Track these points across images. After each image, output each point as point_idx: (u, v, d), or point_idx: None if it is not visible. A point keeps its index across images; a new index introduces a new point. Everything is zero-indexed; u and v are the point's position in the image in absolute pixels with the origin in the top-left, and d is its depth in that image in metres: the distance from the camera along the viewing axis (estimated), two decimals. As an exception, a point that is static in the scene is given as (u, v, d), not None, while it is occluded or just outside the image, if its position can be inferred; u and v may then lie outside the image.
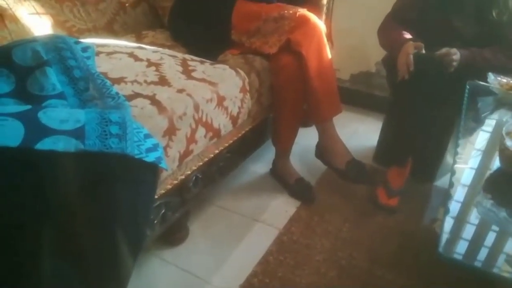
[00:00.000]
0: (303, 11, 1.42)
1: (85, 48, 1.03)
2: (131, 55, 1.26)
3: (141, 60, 1.24)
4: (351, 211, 1.52)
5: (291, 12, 1.41)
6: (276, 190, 1.61)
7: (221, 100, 1.23)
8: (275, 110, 1.56)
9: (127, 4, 1.61)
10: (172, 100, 1.08)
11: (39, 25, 1.33)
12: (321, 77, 1.44)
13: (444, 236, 0.83)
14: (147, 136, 0.87)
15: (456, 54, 1.32)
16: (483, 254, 0.87)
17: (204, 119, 1.17)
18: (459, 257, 0.84)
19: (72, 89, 0.91)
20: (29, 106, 0.78)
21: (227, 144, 1.38)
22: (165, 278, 1.21)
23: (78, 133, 0.75)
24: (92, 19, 1.53)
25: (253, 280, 1.21)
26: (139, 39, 1.57)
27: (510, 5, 1.40)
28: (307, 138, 1.72)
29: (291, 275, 1.23)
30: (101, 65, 1.13)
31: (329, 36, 1.66)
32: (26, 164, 0.69)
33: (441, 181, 1.66)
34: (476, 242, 0.89)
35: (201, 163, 1.26)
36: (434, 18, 1.45)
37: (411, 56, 1.33)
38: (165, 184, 1.13)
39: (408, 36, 1.42)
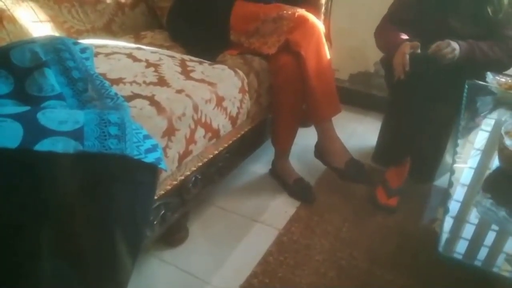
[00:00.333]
0: (301, 11, 1.42)
1: (84, 49, 1.03)
2: (129, 55, 1.26)
3: (140, 60, 1.24)
4: (350, 211, 1.52)
5: (289, 12, 1.41)
6: (276, 191, 1.61)
7: (220, 100, 1.23)
8: (274, 111, 1.56)
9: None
10: (171, 100, 1.08)
11: (37, 26, 1.33)
12: (320, 77, 1.44)
13: (444, 236, 0.83)
14: (146, 137, 0.87)
15: (449, 46, 1.32)
16: (483, 253, 0.87)
17: (203, 120, 1.17)
18: (459, 257, 0.84)
19: (71, 90, 0.91)
20: (28, 107, 0.77)
21: (226, 145, 1.38)
22: (165, 279, 1.21)
23: (77, 134, 0.75)
24: (91, 20, 1.52)
25: (253, 280, 1.20)
26: (137, 39, 1.57)
27: (505, 3, 1.41)
28: (306, 138, 1.72)
29: (291, 275, 1.23)
30: (100, 66, 1.13)
31: (328, 36, 1.66)
32: (25, 165, 0.69)
33: (441, 181, 1.66)
34: (475, 242, 0.89)
35: (200, 164, 1.26)
36: (430, 18, 1.45)
37: (407, 56, 1.33)
38: (165, 185, 1.13)
39: (404, 37, 1.42)
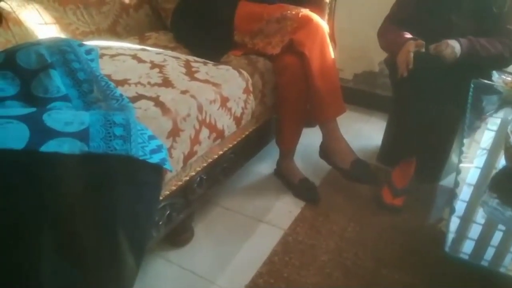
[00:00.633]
0: (305, 11, 1.42)
1: (89, 51, 1.03)
2: (134, 57, 1.27)
3: (145, 62, 1.25)
4: (355, 211, 1.51)
5: (293, 12, 1.41)
6: (281, 191, 1.61)
7: (224, 101, 1.23)
8: (279, 111, 1.56)
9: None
10: (175, 101, 1.08)
11: (42, 28, 1.34)
12: (324, 77, 1.44)
13: (450, 236, 0.83)
14: (151, 137, 0.87)
15: (448, 47, 1.32)
16: (489, 253, 0.87)
17: (207, 120, 1.17)
18: (466, 257, 0.83)
19: (76, 92, 0.92)
20: (33, 109, 0.78)
21: (231, 145, 1.38)
22: (170, 279, 1.21)
23: (82, 135, 0.75)
24: (95, 22, 1.53)
25: (259, 280, 1.20)
26: (142, 41, 1.58)
27: None
28: (311, 138, 1.72)
29: (296, 276, 1.23)
30: (105, 67, 1.13)
31: (332, 36, 1.66)
32: (31, 167, 0.69)
33: (447, 181, 1.65)
34: (482, 241, 0.89)
35: (205, 164, 1.27)
36: (433, 16, 1.45)
37: (411, 54, 1.33)
38: (170, 185, 1.13)
39: (408, 36, 1.42)
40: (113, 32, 1.60)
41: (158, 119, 1.01)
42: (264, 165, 1.75)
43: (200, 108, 1.13)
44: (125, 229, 0.81)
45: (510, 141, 0.97)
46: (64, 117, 0.76)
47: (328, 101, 1.47)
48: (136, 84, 1.11)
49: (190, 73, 1.24)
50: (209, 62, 1.37)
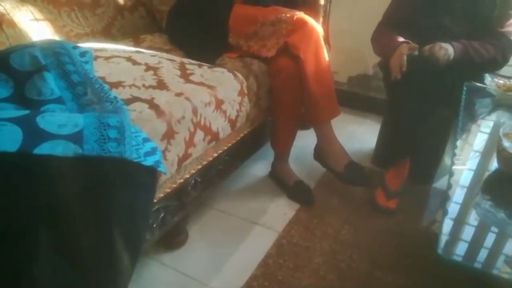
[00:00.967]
0: (300, 14, 1.43)
1: (83, 53, 1.03)
2: (129, 59, 1.27)
3: (139, 64, 1.25)
4: (350, 213, 1.52)
5: (288, 15, 1.42)
6: (275, 193, 1.62)
7: (219, 103, 1.23)
8: (274, 113, 1.56)
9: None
10: (170, 103, 1.08)
11: (36, 30, 1.33)
12: (318, 80, 1.44)
13: (443, 238, 0.83)
14: (145, 140, 0.87)
15: (441, 49, 1.33)
16: (482, 255, 0.88)
17: (202, 123, 1.17)
18: (459, 259, 0.84)
19: (70, 94, 0.92)
20: (27, 111, 0.78)
21: (225, 148, 1.38)
22: (165, 282, 1.21)
23: (76, 138, 0.75)
24: (90, 24, 1.53)
25: (253, 283, 1.20)
26: (137, 43, 1.58)
27: (496, 0, 1.42)
28: (305, 141, 1.73)
29: (290, 278, 1.23)
30: (99, 70, 1.13)
31: (327, 39, 1.67)
32: (24, 169, 0.69)
33: (440, 183, 1.66)
34: (475, 243, 0.89)
35: (200, 167, 1.27)
36: (425, 20, 1.46)
37: (405, 57, 1.34)
38: (164, 187, 1.13)
39: (401, 39, 1.43)
40: (108, 34, 1.59)
41: (152, 121, 1.01)
42: (259, 168, 1.75)
43: (194, 111, 1.13)
44: (120, 231, 0.81)
45: (502, 144, 0.97)
46: (57, 119, 0.76)
47: (323, 103, 1.48)
48: (130, 86, 1.11)
49: (185, 75, 1.24)
50: (204, 64, 1.37)
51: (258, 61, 1.49)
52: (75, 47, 1.04)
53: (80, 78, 0.96)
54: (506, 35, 1.44)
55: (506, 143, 0.97)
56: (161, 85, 1.15)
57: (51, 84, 0.89)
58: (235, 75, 1.35)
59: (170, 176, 1.12)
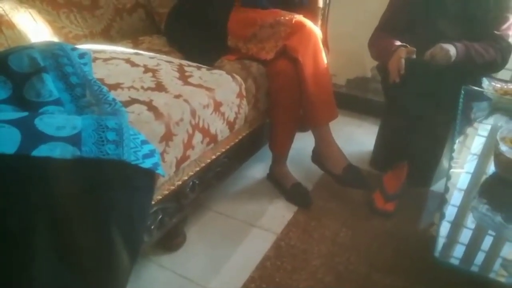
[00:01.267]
0: (299, 17, 1.43)
1: (82, 55, 1.03)
2: (127, 61, 1.27)
3: (138, 66, 1.25)
4: (348, 216, 1.52)
5: (287, 18, 1.42)
6: (273, 195, 1.62)
7: (218, 105, 1.24)
8: (272, 115, 1.56)
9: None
10: (169, 106, 1.08)
11: (35, 31, 1.33)
12: (317, 83, 1.44)
13: (440, 241, 0.84)
14: (144, 142, 0.87)
15: (442, 50, 1.33)
16: (479, 258, 0.88)
17: (201, 125, 1.17)
18: (456, 262, 0.84)
19: (69, 96, 0.92)
20: (25, 113, 0.78)
21: (224, 150, 1.38)
22: (163, 284, 1.21)
23: (74, 140, 0.75)
24: (89, 25, 1.53)
25: (251, 285, 1.20)
26: (135, 45, 1.58)
27: (491, 3, 1.42)
28: (304, 143, 1.73)
29: (288, 280, 1.23)
30: (98, 71, 1.13)
31: (325, 42, 1.67)
32: (22, 171, 0.69)
33: (438, 185, 1.66)
34: (472, 247, 0.89)
35: (198, 169, 1.27)
36: (421, 24, 1.47)
37: (403, 60, 1.34)
38: (162, 189, 1.13)
39: (398, 43, 1.44)
40: (107, 36, 1.59)
41: (151, 123, 1.01)
42: (257, 170, 1.76)
43: (193, 113, 1.13)
44: (118, 233, 0.81)
45: (500, 147, 0.98)
46: (56, 121, 0.76)
47: (321, 106, 1.48)
48: (129, 88, 1.11)
49: (184, 77, 1.24)
50: (203, 66, 1.37)
51: (257, 63, 1.50)
52: (74, 49, 1.04)
53: (79, 80, 0.96)
54: (504, 37, 1.45)
55: (503, 147, 0.98)
56: (159, 87, 1.15)
57: (50, 85, 0.89)
58: (233, 77, 1.36)
59: (168, 178, 1.12)
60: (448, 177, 1.01)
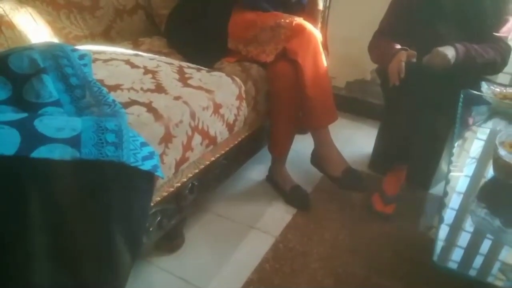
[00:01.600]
0: (299, 20, 1.43)
1: (82, 56, 1.03)
2: (127, 62, 1.27)
3: (138, 67, 1.25)
4: (347, 218, 1.52)
5: (287, 21, 1.42)
6: (272, 197, 1.62)
7: (217, 107, 1.24)
8: (271, 118, 1.56)
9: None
10: (168, 107, 1.08)
11: (35, 32, 1.33)
12: (316, 85, 1.45)
13: (439, 244, 0.84)
14: (143, 144, 0.87)
15: (438, 56, 1.34)
16: (478, 262, 0.88)
17: (200, 127, 1.17)
18: (454, 265, 0.84)
19: (68, 97, 0.92)
20: (25, 114, 0.78)
21: (223, 152, 1.38)
22: (161, 285, 1.21)
23: (74, 141, 0.75)
24: (89, 26, 1.53)
25: (249, 287, 1.20)
26: (135, 46, 1.58)
27: (489, 6, 1.43)
28: (303, 145, 1.73)
29: (287, 283, 1.23)
30: (98, 72, 1.13)
31: (325, 45, 1.67)
32: (22, 173, 0.69)
33: (437, 188, 1.66)
34: (471, 250, 0.90)
35: (197, 171, 1.27)
36: (421, 28, 1.47)
37: (403, 64, 1.34)
38: (161, 191, 1.13)
39: (399, 46, 1.44)
40: (107, 37, 1.59)
41: (150, 125, 1.01)
42: (256, 172, 1.76)
43: (192, 115, 1.13)
44: (117, 235, 0.81)
45: (498, 152, 0.98)
46: (55, 123, 0.76)
47: (320, 109, 1.48)
48: (129, 89, 1.11)
49: (183, 79, 1.24)
50: (203, 68, 1.37)
51: (257, 66, 1.50)
52: (74, 50, 1.04)
53: (79, 81, 0.96)
54: (503, 39, 1.45)
55: (502, 152, 0.98)
56: (159, 88, 1.15)
57: (50, 87, 0.89)
58: (233, 79, 1.36)
59: (167, 180, 1.12)
60: (447, 181, 1.01)
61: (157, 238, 1.20)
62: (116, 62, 1.26)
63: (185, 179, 1.22)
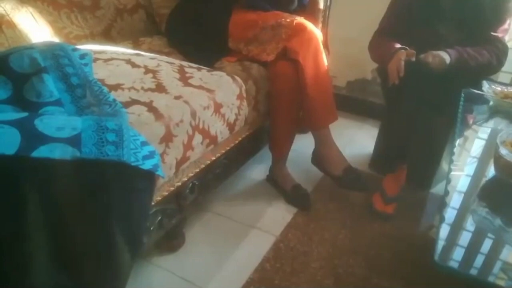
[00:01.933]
0: (300, 19, 1.43)
1: (83, 55, 1.03)
2: (128, 61, 1.27)
3: (138, 66, 1.25)
4: (347, 218, 1.52)
5: (288, 20, 1.42)
6: (273, 197, 1.61)
7: (218, 107, 1.24)
8: (272, 117, 1.56)
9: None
10: (169, 107, 1.08)
11: (36, 31, 1.33)
12: (317, 85, 1.44)
13: (440, 244, 0.83)
14: (144, 143, 0.87)
15: (434, 58, 1.34)
16: (479, 261, 0.88)
17: (201, 126, 1.17)
18: (455, 265, 0.84)
19: (69, 96, 0.92)
20: (25, 114, 0.78)
21: (224, 151, 1.38)
22: (161, 285, 1.21)
23: (74, 141, 0.75)
24: (90, 26, 1.53)
25: (250, 287, 1.20)
26: (136, 45, 1.58)
27: (487, 6, 1.42)
28: (304, 145, 1.73)
29: (287, 282, 1.23)
30: (98, 72, 1.13)
31: (326, 44, 1.67)
32: (22, 172, 0.69)
33: (438, 188, 1.66)
34: (472, 250, 0.89)
35: (197, 170, 1.27)
36: (420, 29, 1.47)
37: (403, 63, 1.34)
38: (162, 191, 1.13)
39: (398, 45, 1.44)
40: (107, 36, 1.59)
41: (151, 124, 1.01)
42: (257, 171, 1.75)
43: (193, 114, 1.13)
44: (117, 235, 0.81)
45: (500, 151, 0.98)
46: (56, 122, 0.76)
47: (321, 108, 1.48)
48: (129, 89, 1.11)
49: (184, 78, 1.24)
50: (203, 68, 1.37)
51: (258, 65, 1.50)
52: (75, 49, 1.04)
53: (80, 80, 0.96)
54: (500, 39, 1.45)
55: (503, 151, 0.98)
56: (160, 88, 1.15)
57: (50, 86, 0.89)
58: (234, 78, 1.36)
59: (168, 179, 1.12)
60: (448, 180, 1.01)
61: (158, 238, 1.20)
62: (117, 61, 1.26)
63: (185, 179, 1.22)
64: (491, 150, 1.09)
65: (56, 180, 0.72)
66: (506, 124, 1.26)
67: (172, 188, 1.17)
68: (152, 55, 1.40)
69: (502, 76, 1.70)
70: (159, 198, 1.12)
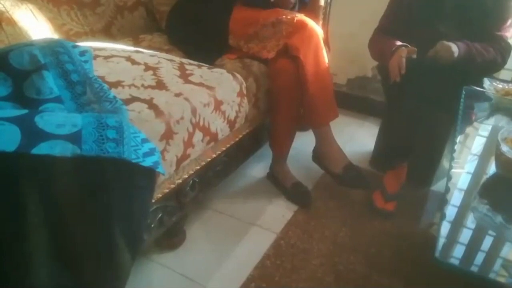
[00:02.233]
0: (300, 16, 1.43)
1: (83, 52, 1.03)
2: (128, 59, 1.27)
3: (139, 64, 1.24)
4: (348, 215, 1.52)
5: (288, 17, 1.42)
6: (273, 194, 1.61)
7: (218, 104, 1.23)
8: (272, 114, 1.56)
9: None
10: (169, 104, 1.08)
11: (36, 28, 1.33)
12: (318, 82, 1.44)
13: (441, 241, 0.83)
14: (144, 140, 0.87)
15: (443, 46, 1.33)
16: (479, 258, 0.88)
17: (201, 123, 1.17)
18: (456, 262, 0.84)
19: (69, 93, 0.91)
20: (26, 111, 0.77)
21: (224, 148, 1.38)
22: (162, 282, 1.21)
23: (74, 138, 0.75)
24: (90, 23, 1.52)
25: (250, 284, 1.20)
26: (136, 43, 1.58)
27: (489, 5, 1.42)
28: (304, 142, 1.73)
29: (288, 279, 1.23)
30: (99, 69, 1.13)
31: (326, 41, 1.67)
32: (22, 169, 0.69)
33: (438, 185, 1.66)
34: (472, 247, 0.89)
35: (198, 167, 1.26)
36: (421, 27, 1.47)
37: (404, 60, 1.34)
38: (162, 188, 1.12)
39: (399, 43, 1.43)
40: (107, 33, 1.59)
41: (151, 121, 1.01)
42: (257, 169, 1.75)
43: (193, 111, 1.13)
44: (118, 232, 0.81)
45: (501, 148, 0.98)
46: (56, 119, 0.76)
47: (322, 106, 1.48)
48: (129, 86, 1.11)
49: (184, 75, 1.24)
50: (204, 65, 1.37)
51: (258, 62, 1.49)
52: (75, 46, 1.04)
53: (80, 77, 0.96)
54: (504, 38, 1.45)
55: (504, 148, 0.97)
56: (160, 85, 1.15)
57: (50, 83, 0.89)
58: (234, 76, 1.35)
59: (168, 177, 1.12)
60: (449, 177, 1.01)
61: (158, 235, 1.20)
62: (117, 58, 1.26)
63: (186, 176, 1.22)
64: (492, 147, 1.09)
65: (56, 177, 0.72)
66: (507, 121, 1.26)
67: (172, 186, 1.17)
68: (152, 52, 1.40)
69: (503, 73, 1.69)
70: (159, 196, 1.12)
